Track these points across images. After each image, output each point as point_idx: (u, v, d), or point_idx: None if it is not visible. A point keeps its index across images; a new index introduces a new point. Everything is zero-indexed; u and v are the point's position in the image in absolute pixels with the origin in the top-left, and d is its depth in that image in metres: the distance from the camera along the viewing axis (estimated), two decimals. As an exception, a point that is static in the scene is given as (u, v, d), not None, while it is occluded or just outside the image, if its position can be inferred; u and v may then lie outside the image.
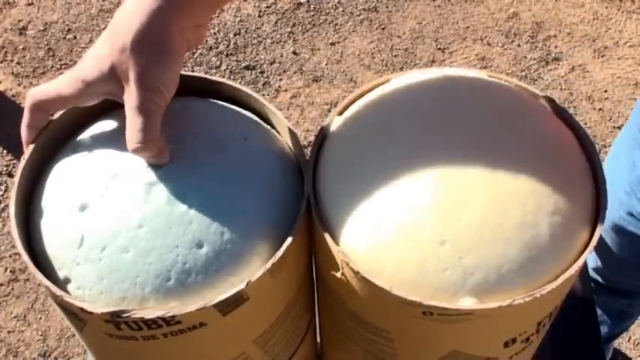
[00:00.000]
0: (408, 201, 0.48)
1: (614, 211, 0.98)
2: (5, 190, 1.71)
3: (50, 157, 0.52)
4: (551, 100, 0.56)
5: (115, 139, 0.50)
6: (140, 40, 0.45)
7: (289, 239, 0.48)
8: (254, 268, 0.47)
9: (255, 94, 0.55)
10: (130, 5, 0.47)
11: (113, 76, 0.47)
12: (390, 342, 0.53)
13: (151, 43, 0.46)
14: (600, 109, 1.88)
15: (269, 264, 0.47)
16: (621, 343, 1.55)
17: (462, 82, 0.56)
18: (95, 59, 0.47)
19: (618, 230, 0.99)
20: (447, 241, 0.47)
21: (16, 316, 1.55)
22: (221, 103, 0.56)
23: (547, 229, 0.47)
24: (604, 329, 1.24)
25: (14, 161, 1.75)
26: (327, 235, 0.49)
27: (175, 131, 0.51)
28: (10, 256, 1.62)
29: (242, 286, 0.46)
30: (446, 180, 0.48)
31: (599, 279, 1.15)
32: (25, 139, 0.52)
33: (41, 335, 1.53)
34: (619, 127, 1.83)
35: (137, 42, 0.45)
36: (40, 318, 1.55)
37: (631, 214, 0.95)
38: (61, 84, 0.49)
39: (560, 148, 0.52)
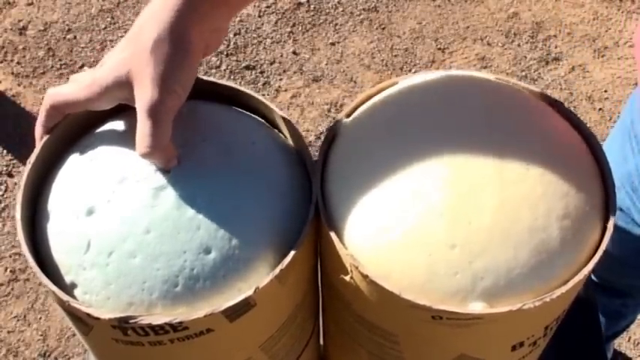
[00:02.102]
0: (418, 204, 0.48)
1: None
2: (5, 190, 1.71)
3: (56, 159, 0.52)
4: (557, 102, 0.56)
5: (123, 143, 0.50)
6: (159, 40, 0.46)
7: (297, 245, 0.48)
8: (262, 274, 0.47)
9: (262, 98, 0.54)
10: (150, 11, 0.47)
11: (129, 81, 0.47)
12: (397, 345, 0.53)
13: (170, 44, 0.46)
14: (600, 109, 1.87)
15: (277, 270, 0.46)
16: (621, 343, 1.55)
17: (470, 85, 0.55)
18: (113, 63, 0.48)
19: None
20: (456, 244, 0.47)
21: (16, 316, 1.55)
22: (229, 107, 0.55)
23: (557, 232, 0.47)
24: None
25: (14, 161, 1.75)
26: (335, 239, 0.48)
27: (183, 135, 0.51)
28: (10, 256, 1.62)
29: (250, 292, 0.45)
30: (456, 183, 0.48)
31: (592, 276, 1.14)
32: (39, 137, 0.52)
33: (41, 335, 1.52)
34: (619, 128, 1.83)
35: (156, 42, 0.46)
36: (40, 318, 1.54)
37: (620, 209, 0.95)
38: (78, 87, 0.49)
39: (569, 150, 0.52)
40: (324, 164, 0.53)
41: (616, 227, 0.96)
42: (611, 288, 1.15)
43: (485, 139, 0.50)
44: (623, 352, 1.56)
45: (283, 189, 0.51)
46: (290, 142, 0.56)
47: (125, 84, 0.47)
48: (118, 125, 0.52)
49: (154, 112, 0.46)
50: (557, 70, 1.94)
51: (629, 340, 1.57)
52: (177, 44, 0.46)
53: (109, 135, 0.52)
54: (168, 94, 0.46)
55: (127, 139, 0.49)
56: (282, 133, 0.56)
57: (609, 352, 1.45)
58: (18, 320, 1.54)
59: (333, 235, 0.48)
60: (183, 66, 0.47)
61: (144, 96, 0.46)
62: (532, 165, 0.49)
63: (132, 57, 0.46)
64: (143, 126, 0.46)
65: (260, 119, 0.56)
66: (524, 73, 1.93)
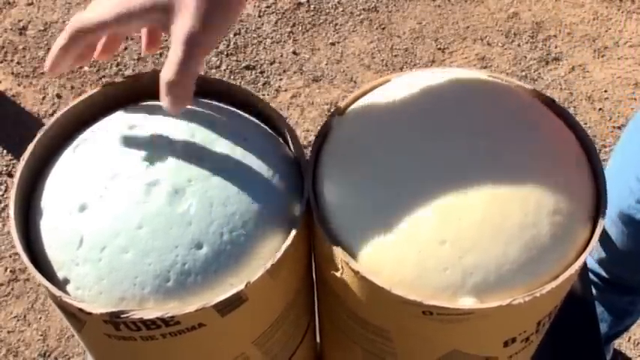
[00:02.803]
0: (408, 201, 0.48)
1: (623, 199, 0.94)
2: (5, 190, 1.71)
3: (49, 157, 0.52)
4: (551, 100, 0.56)
5: (115, 139, 0.50)
6: None
7: (289, 240, 0.48)
8: (253, 269, 0.47)
9: (256, 95, 0.55)
10: None
11: (171, 4, 0.46)
12: (390, 341, 0.53)
13: None
14: (600, 109, 1.87)
15: (268, 265, 0.46)
16: (621, 343, 1.55)
17: (462, 82, 0.55)
18: None
19: (626, 219, 0.95)
20: (447, 240, 0.47)
21: (16, 316, 1.55)
22: (221, 104, 0.56)
23: (547, 228, 0.47)
24: (604, 327, 1.22)
25: (14, 161, 1.75)
26: (326, 235, 0.49)
27: (175, 132, 0.51)
28: (10, 256, 1.62)
29: (241, 286, 0.46)
30: (446, 179, 0.48)
31: (602, 272, 1.12)
32: (52, 60, 0.49)
33: (41, 335, 1.53)
34: (619, 127, 1.83)
35: None
36: (40, 318, 1.55)
37: None
38: (109, 5, 0.47)
39: (561, 147, 0.52)
40: (316, 161, 0.53)
41: (635, 221, 0.93)
42: (621, 285, 1.13)
43: (477, 136, 0.51)
44: (623, 352, 1.55)
45: (275, 185, 0.51)
46: (282, 138, 0.56)
47: (165, 5, 0.46)
48: (111, 122, 0.53)
49: (191, 42, 0.45)
50: (557, 70, 1.94)
51: (629, 340, 1.57)
52: None
53: (101, 132, 0.52)
54: (211, 29, 0.45)
55: (119, 135, 0.49)
56: (276, 130, 0.56)
57: (609, 352, 1.45)
58: (18, 320, 1.54)
59: (323, 231, 0.49)
60: (230, 5, 0.46)
61: (183, 24, 0.45)
62: (523, 162, 0.49)
63: None
64: (175, 54, 0.45)
65: (252, 116, 0.56)
66: (524, 73, 1.93)
